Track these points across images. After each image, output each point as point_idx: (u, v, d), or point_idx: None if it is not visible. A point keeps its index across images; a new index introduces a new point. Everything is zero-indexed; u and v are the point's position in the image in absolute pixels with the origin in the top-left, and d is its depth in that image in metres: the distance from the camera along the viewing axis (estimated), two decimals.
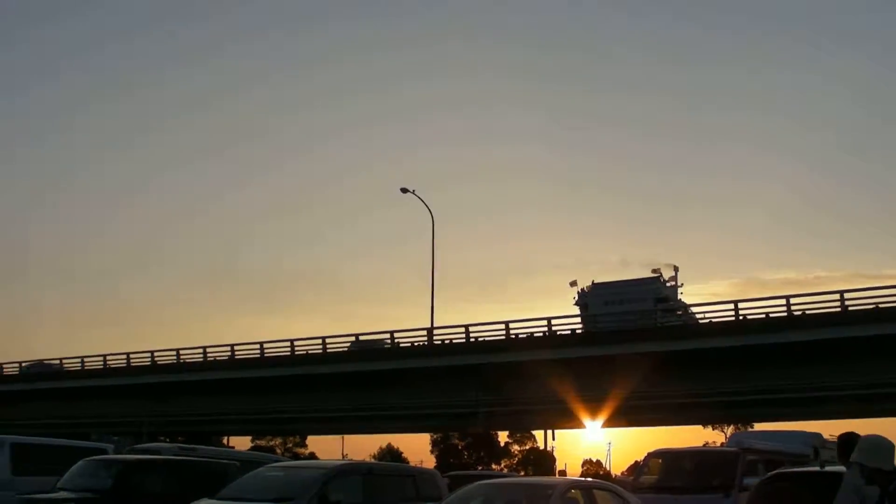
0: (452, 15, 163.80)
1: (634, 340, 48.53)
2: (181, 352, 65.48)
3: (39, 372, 72.17)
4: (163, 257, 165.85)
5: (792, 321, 45.89)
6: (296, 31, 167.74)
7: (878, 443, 8.67)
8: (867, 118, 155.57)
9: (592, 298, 65.89)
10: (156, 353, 66.55)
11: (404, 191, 63.68)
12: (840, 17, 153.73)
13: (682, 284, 67.44)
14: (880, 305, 44.62)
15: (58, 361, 72.02)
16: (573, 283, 68.69)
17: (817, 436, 37.06)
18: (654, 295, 63.07)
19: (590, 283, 68.35)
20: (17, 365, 74.91)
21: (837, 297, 45.68)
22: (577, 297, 67.71)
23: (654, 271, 67.76)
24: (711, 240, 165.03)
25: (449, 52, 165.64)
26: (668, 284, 66.37)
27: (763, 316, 47.54)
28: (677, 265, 67.74)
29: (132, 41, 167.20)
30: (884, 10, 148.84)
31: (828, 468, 14.12)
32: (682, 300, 63.48)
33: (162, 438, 58.48)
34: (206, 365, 63.33)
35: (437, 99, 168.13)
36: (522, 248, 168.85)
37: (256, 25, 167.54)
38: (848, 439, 12.22)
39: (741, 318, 47.85)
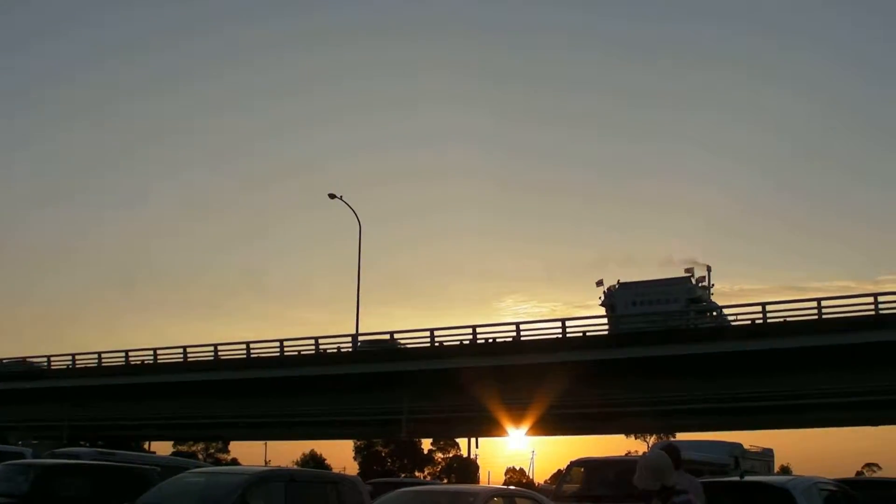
0: (385, 15, 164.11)
1: (559, 349, 48.69)
2: (102, 355, 64.70)
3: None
4: (86, 259, 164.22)
5: (716, 332, 46.35)
6: (227, 30, 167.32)
7: (646, 465, 9.04)
8: (805, 132, 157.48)
9: (620, 298, 62.76)
10: (77, 357, 65.73)
11: (332, 196, 63.59)
12: (784, 20, 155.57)
13: (713, 285, 64.22)
14: (787, 319, 45.15)
15: (45, 359, 69.38)
16: (599, 283, 65.19)
17: (737, 446, 37.51)
18: (687, 295, 60.60)
19: (615, 283, 64.98)
20: None
21: (759, 309, 46.21)
22: (603, 297, 64.43)
23: (686, 271, 64.53)
24: (638, 248, 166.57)
25: (382, 52, 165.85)
26: (700, 285, 63.19)
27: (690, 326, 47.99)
28: (710, 265, 64.40)
29: (52, 39, 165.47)
30: (833, 16, 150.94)
31: (747, 478, 14.28)
32: (714, 301, 60.74)
33: (82, 443, 57.77)
34: (128, 369, 62.62)
35: (369, 100, 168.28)
36: (451, 254, 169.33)
37: (184, 23, 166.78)
38: (668, 450, 12.70)
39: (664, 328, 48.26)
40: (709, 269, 63.20)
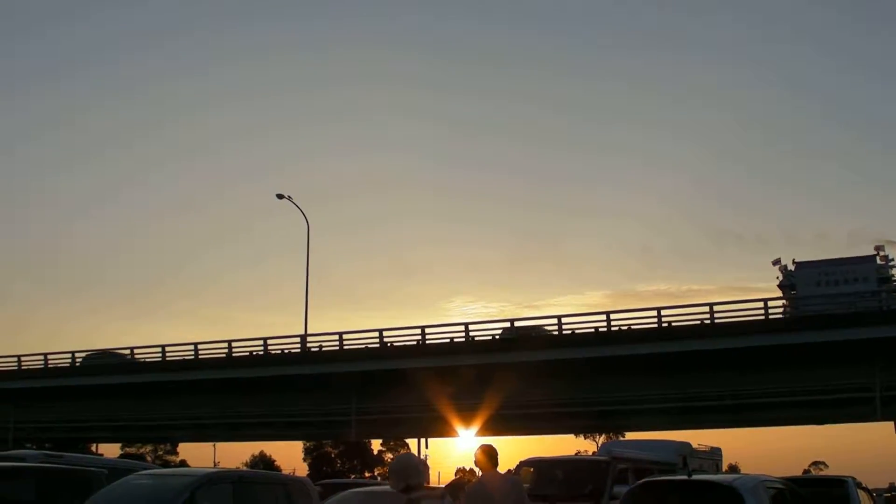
0: (336, 23, 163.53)
1: (509, 350, 48.80)
2: (49, 356, 64.00)
3: None
4: (39, 260, 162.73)
5: (662, 332, 46.55)
6: (183, 36, 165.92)
7: (392, 468, 9.47)
8: (744, 135, 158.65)
9: (801, 279, 59.87)
10: (22, 358, 64.97)
11: (280, 196, 63.55)
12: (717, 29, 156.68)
13: None
14: (735, 319, 45.18)
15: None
16: (776, 262, 61.52)
17: (686, 445, 37.67)
18: (878, 275, 57.80)
19: (792, 262, 61.21)
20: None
21: (707, 309, 46.42)
22: (781, 278, 60.81)
23: (876, 248, 60.43)
24: (588, 251, 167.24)
25: (332, 60, 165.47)
26: (889, 263, 59.90)
27: (631, 327, 48.12)
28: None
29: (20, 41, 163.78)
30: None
31: (695, 476, 14.35)
32: None
33: (29, 445, 57.14)
34: (75, 370, 62.06)
35: (319, 108, 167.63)
36: (399, 257, 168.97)
37: (143, 27, 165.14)
38: (487, 449, 12.97)
39: (612, 328, 48.38)
40: None
